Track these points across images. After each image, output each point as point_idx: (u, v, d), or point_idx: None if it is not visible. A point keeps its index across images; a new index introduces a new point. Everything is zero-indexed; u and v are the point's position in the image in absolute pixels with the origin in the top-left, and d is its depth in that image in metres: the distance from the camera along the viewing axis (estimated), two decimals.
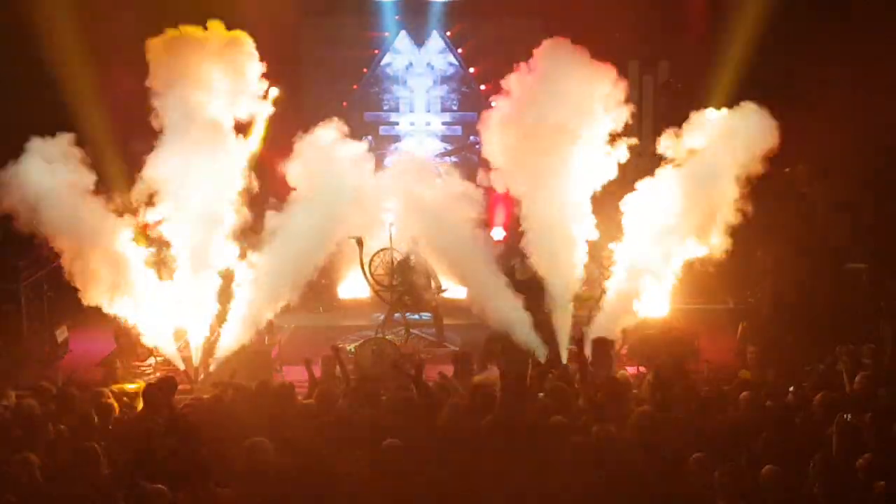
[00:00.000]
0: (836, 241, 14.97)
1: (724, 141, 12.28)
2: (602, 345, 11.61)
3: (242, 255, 13.10)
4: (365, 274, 14.00)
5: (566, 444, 8.21)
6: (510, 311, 12.69)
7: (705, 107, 12.75)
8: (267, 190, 13.78)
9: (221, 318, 13.15)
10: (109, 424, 9.18)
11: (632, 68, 16.78)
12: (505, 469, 8.01)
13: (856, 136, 14.03)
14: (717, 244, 12.41)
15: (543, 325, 12.81)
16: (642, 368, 12.16)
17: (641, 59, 16.96)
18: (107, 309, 12.72)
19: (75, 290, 12.61)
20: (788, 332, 13.12)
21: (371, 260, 13.95)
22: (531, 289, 13.09)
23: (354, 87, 19.15)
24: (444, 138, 19.37)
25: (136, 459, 8.16)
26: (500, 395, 9.41)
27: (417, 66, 19.12)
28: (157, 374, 12.61)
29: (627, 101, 12.42)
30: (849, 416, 8.54)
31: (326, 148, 12.85)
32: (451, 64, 19.08)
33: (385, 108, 19.37)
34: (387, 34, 18.95)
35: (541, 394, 9.67)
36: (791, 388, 9.95)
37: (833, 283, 14.09)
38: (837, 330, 12.86)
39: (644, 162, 13.56)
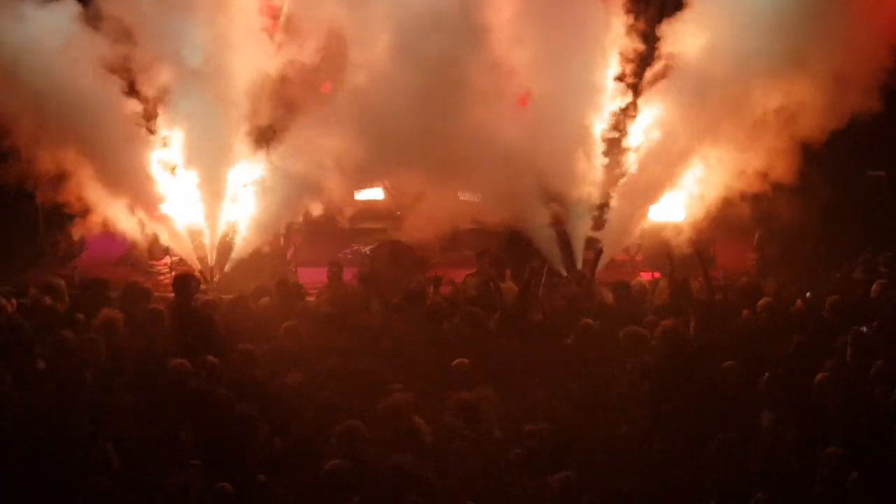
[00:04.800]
0: None
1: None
2: None
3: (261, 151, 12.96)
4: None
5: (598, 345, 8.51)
6: (532, 218, 12.60)
7: None
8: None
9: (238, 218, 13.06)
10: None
11: None
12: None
13: None
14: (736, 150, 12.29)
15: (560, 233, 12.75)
16: (657, 274, 12.16)
17: None
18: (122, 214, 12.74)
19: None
20: (804, 239, 13.05)
21: None
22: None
23: None
24: None
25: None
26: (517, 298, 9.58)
27: None
28: (173, 274, 12.65)
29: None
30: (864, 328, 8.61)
31: None
32: None
33: None
34: None
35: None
36: (808, 294, 9.96)
37: (851, 190, 13.95)
38: (854, 238, 12.78)
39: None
